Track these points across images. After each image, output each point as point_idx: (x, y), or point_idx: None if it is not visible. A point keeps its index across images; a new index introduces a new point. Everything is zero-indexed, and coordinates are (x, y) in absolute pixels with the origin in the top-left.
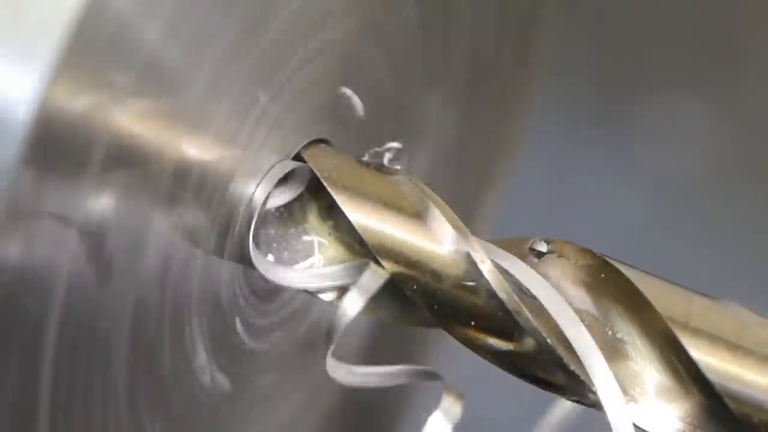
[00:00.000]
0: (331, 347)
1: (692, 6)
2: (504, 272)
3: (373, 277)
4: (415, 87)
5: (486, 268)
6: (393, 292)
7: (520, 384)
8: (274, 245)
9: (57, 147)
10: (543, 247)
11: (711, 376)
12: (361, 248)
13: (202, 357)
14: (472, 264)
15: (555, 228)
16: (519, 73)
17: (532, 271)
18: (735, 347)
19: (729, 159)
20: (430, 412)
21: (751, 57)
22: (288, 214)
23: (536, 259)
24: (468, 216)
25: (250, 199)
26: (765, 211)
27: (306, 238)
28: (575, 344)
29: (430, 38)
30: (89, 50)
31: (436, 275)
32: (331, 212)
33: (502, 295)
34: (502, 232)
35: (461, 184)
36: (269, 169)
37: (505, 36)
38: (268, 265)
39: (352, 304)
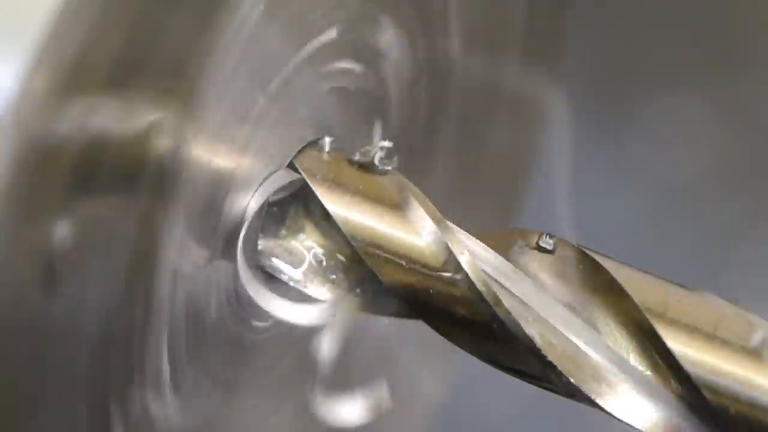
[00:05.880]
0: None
1: (693, 6)
2: (482, 263)
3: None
4: (416, 88)
5: (465, 259)
6: (372, 282)
7: (520, 384)
8: (269, 251)
9: (57, 149)
10: (549, 245)
11: (688, 367)
12: (349, 249)
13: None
14: (451, 255)
15: (554, 227)
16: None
17: (509, 264)
18: (712, 338)
19: (730, 159)
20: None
21: (752, 57)
22: (282, 217)
23: (520, 251)
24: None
25: (245, 207)
26: (765, 210)
27: (300, 241)
28: (565, 330)
29: (431, 36)
30: (89, 52)
31: (415, 266)
32: (323, 213)
33: (480, 286)
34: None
35: (462, 185)
36: (265, 178)
37: (508, 41)
38: (257, 287)
39: None
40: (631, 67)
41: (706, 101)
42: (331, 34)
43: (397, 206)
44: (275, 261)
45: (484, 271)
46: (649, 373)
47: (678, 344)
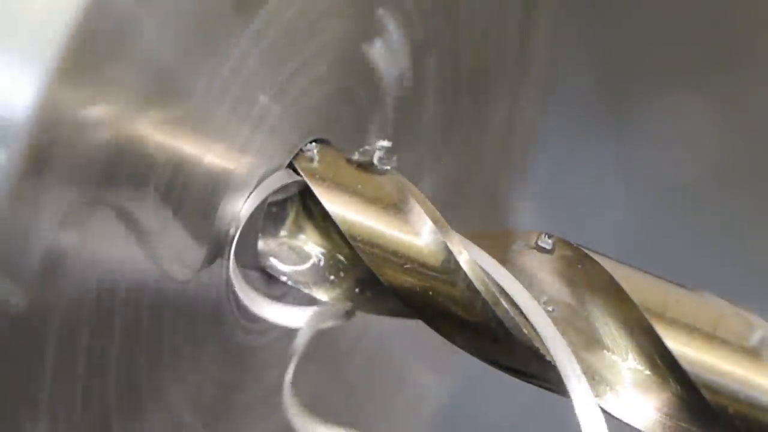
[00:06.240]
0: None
1: (693, 6)
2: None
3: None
4: (416, 89)
5: (464, 259)
6: (371, 282)
7: (519, 384)
8: (269, 251)
9: (57, 149)
10: (547, 245)
11: (687, 367)
12: (348, 249)
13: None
14: (450, 255)
15: (554, 227)
16: (521, 73)
17: (501, 267)
18: (711, 337)
19: (730, 159)
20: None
21: (752, 56)
22: (282, 217)
23: (519, 250)
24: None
25: (242, 208)
26: (765, 211)
27: (300, 241)
28: (543, 338)
29: (431, 38)
30: (89, 51)
31: (414, 265)
32: (323, 213)
33: (479, 285)
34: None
35: (461, 185)
36: (262, 178)
37: (505, 36)
38: (251, 294)
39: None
40: (631, 67)
41: (706, 101)
42: (331, 32)
43: (395, 206)
44: (274, 261)
45: (483, 271)
46: (648, 372)
47: (677, 344)
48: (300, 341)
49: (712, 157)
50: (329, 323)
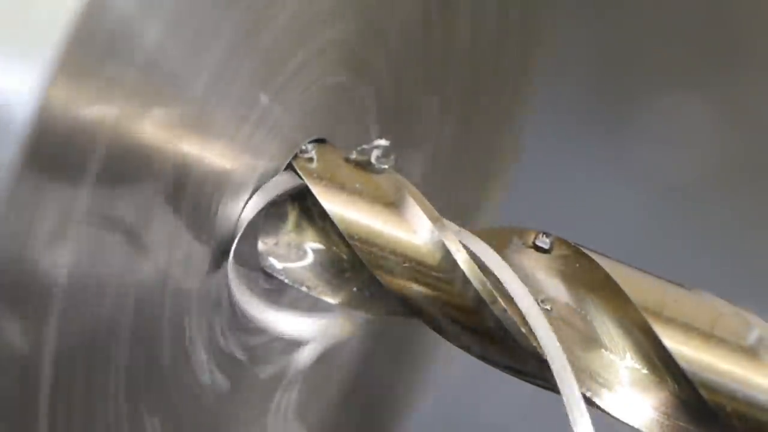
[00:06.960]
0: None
1: (693, 5)
2: (479, 261)
3: None
4: (416, 88)
5: (461, 258)
6: (369, 281)
7: (519, 384)
8: (268, 251)
9: (57, 149)
10: (545, 244)
11: (684, 366)
12: (347, 248)
13: (200, 355)
14: (447, 253)
15: (553, 227)
16: (519, 73)
17: (503, 261)
18: (709, 336)
19: (729, 159)
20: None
21: (752, 57)
22: (281, 217)
23: (516, 249)
24: (466, 216)
25: (243, 210)
26: (765, 211)
27: (299, 241)
28: (538, 335)
29: (430, 38)
30: (89, 51)
31: (412, 264)
32: (321, 213)
33: (476, 284)
34: None
35: (460, 184)
36: (263, 178)
37: (504, 34)
38: (249, 300)
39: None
40: (631, 67)
41: (706, 101)
42: (330, 33)
43: (393, 205)
44: (273, 261)
45: (481, 269)
46: (645, 371)
47: (675, 343)
48: (306, 357)
49: (712, 157)
50: (337, 336)
